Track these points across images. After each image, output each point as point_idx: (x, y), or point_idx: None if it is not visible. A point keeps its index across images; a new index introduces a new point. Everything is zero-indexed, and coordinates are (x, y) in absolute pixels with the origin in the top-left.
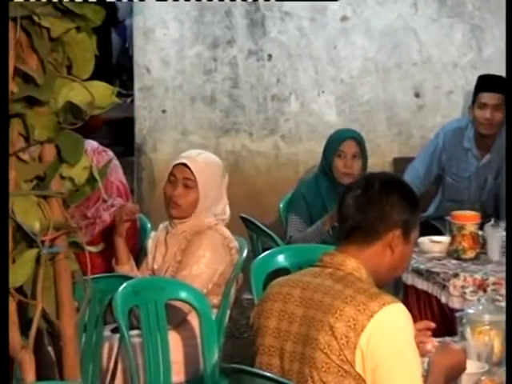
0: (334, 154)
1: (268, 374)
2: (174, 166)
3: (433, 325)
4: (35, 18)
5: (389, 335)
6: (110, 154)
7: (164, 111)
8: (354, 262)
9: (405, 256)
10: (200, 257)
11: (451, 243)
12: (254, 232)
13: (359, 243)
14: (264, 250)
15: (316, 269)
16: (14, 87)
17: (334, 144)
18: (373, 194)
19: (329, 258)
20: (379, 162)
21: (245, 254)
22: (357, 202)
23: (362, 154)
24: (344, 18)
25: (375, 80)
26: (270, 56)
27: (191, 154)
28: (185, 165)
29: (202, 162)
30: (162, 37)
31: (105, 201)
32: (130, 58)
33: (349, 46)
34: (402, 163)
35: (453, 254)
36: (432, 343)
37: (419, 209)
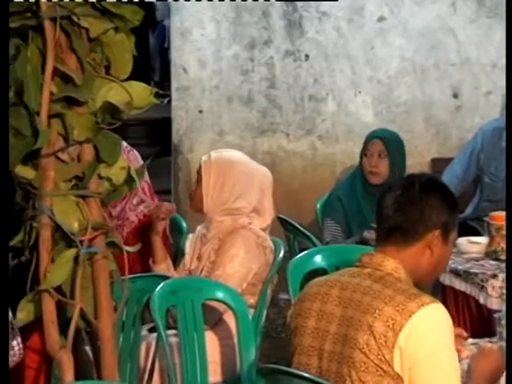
0: (363, 154)
1: (305, 374)
2: None
3: (465, 334)
4: (74, 19)
5: (427, 335)
6: (136, 153)
7: (201, 111)
8: (393, 263)
9: (444, 257)
10: (234, 256)
11: (489, 244)
12: (290, 232)
13: (398, 244)
14: (301, 251)
15: (355, 269)
16: (53, 87)
17: (364, 143)
18: (413, 195)
19: (368, 259)
20: (417, 162)
21: (281, 254)
22: (396, 202)
23: (389, 153)
24: (381, 19)
25: (413, 80)
26: (307, 56)
27: (216, 151)
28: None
29: (214, 159)
30: (199, 37)
31: (142, 201)
32: (167, 58)
33: (386, 47)
34: (440, 164)
35: (491, 254)
36: (465, 352)
37: (458, 210)
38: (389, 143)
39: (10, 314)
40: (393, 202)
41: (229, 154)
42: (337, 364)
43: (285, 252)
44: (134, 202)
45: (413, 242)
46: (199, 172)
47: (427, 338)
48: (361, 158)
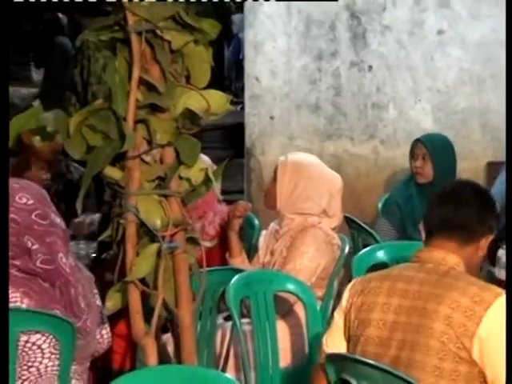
0: (411, 156)
1: (371, 362)
2: None
3: None
4: (158, 32)
5: (504, 323)
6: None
7: (272, 118)
8: (454, 258)
9: (482, 258)
10: (304, 252)
11: None
12: (355, 230)
13: (460, 242)
14: (364, 247)
15: (415, 264)
16: (138, 95)
17: (410, 147)
18: (469, 199)
19: (427, 255)
20: (473, 166)
21: (347, 250)
22: (454, 204)
23: (432, 156)
24: (440, 32)
25: (470, 90)
26: (370, 67)
27: (293, 153)
28: None
29: (290, 161)
30: (271, 49)
31: (219, 201)
32: (240, 69)
33: (445, 58)
34: (495, 167)
35: None
36: None
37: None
38: (431, 147)
39: (101, 303)
40: (451, 204)
41: (304, 157)
42: (408, 352)
43: (349, 248)
44: (211, 215)
45: (471, 242)
46: (275, 171)
47: (504, 327)
48: (410, 160)
